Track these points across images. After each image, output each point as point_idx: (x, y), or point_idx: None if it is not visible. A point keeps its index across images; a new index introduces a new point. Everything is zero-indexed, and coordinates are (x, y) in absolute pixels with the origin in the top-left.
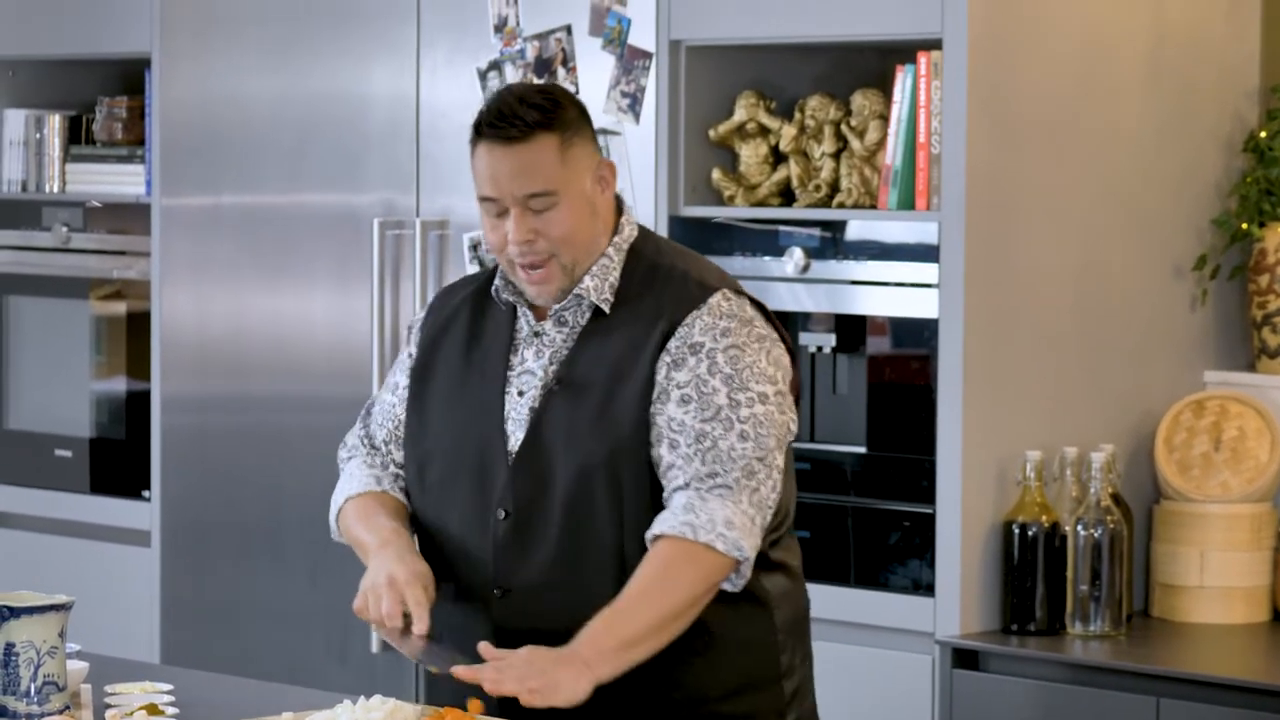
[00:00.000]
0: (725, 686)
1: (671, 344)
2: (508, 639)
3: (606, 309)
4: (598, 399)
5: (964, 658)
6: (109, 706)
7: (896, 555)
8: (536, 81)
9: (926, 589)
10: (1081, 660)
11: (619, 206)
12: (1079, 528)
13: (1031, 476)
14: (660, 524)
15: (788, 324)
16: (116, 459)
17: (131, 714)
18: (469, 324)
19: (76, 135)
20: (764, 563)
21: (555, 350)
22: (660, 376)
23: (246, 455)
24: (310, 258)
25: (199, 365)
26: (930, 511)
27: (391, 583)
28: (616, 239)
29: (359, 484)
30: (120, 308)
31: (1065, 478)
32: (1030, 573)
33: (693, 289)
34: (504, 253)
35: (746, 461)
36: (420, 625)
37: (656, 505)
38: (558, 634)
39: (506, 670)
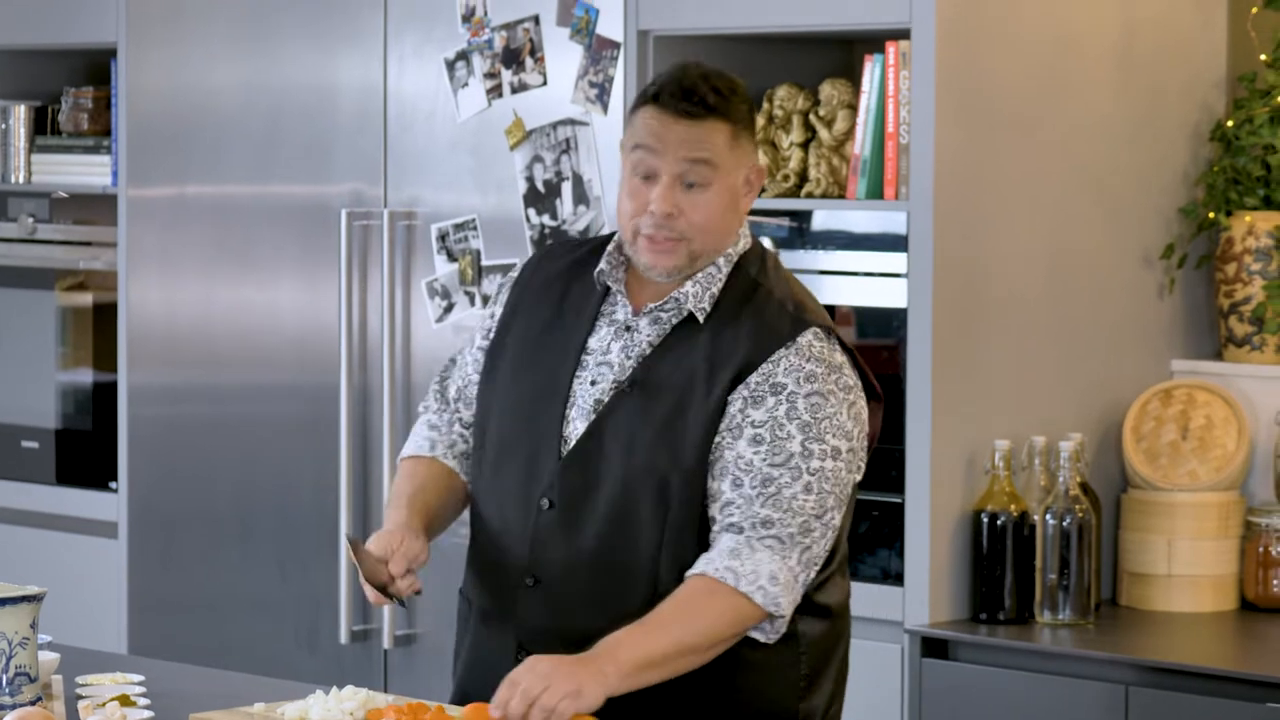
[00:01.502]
0: (755, 706)
1: (753, 379)
2: (526, 632)
3: (701, 319)
4: (665, 411)
5: (933, 647)
6: (81, 697)
7: (865, 545)
8: (527, 85)
9: (895, 578)
10: (1050, 649)
11: None
12: (1047, 517)
13: (1000, 466)
14: (704, 563)
15: None
16: (83, 450)
17: (104, 705)
18: (559, 295)
19: (42, 126)
20: (804, 606)
21: (640, 350)
22: (734, 409)
23: (214, 446)
24: (277, 248)
25: (166, 356)
26: (899, 501)
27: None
28: (729, 250)
29: (414, 444)
30: (86, 299)
31: (1034, 467)
32: (999, 562)
33: (787, 322)
34: (636, 219)
35: (805, 518)
36: (367, 589)
37: (700, 530)
38: (575, 636)
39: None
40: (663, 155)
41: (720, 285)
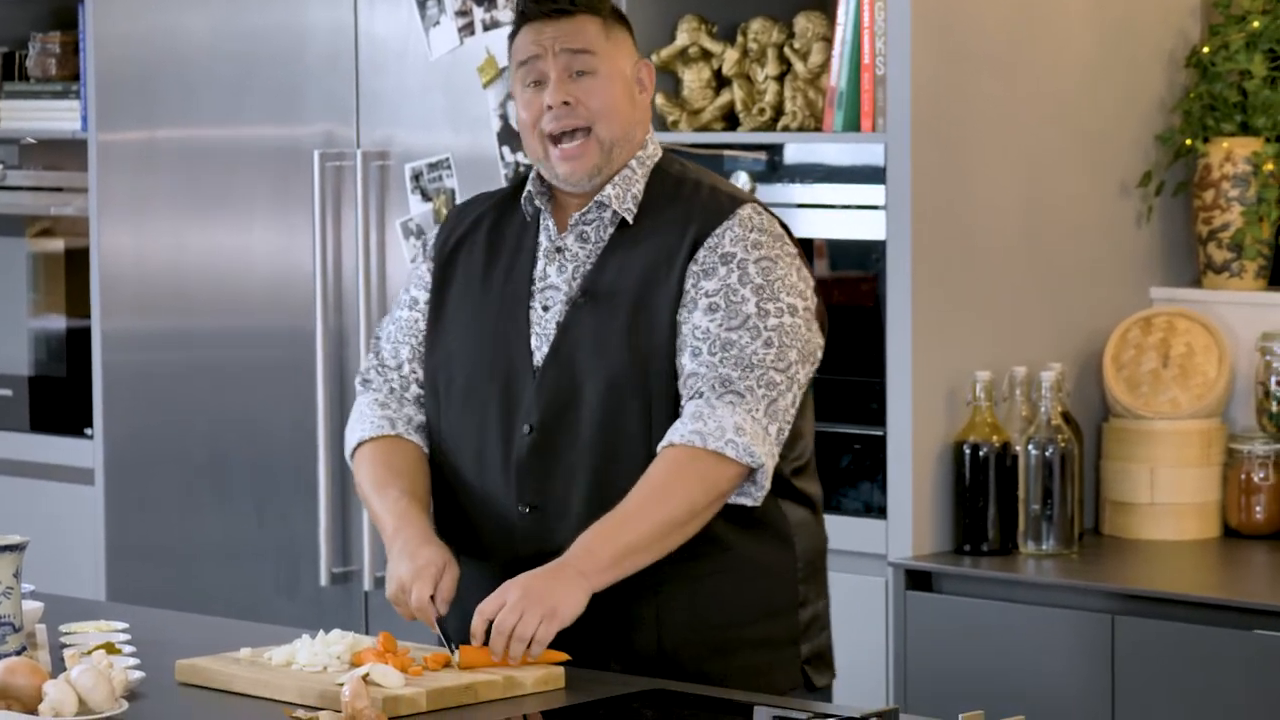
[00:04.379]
0: (744, 610)
1: (700, 253)
2: (532, 560)
3: (630, 218)
4: (626, 310)
5: (917, 579)
6: (65, 646)
7: (848, 478)
8: (499, 21)
9: (878, 511)
10: (1034, 579)
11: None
12: (1029, 447)
13: (981, 397)
14: (670, 433)
15: None
16: (57, 397)
17: (89, 653)
18: (489, 236)
19: (10, 71)
20: (787, 490)
21: (579, 265)
22: (688, 285)
23: (189, 391)
24: (250, 191)
25: (139, 301)
26: (881, 434)
27: (403, 587)
28: (640, 154)
29: (371, 425)
30: (58, 245)
31: (1015, 397)
32: (982, 493)
33: (722, 200)
34: (538, 125)
35: (764, 371)
36: (431, 623)
37: None
38: None
39: (506, 615)
40: (544, 56)
41: (641, 186)
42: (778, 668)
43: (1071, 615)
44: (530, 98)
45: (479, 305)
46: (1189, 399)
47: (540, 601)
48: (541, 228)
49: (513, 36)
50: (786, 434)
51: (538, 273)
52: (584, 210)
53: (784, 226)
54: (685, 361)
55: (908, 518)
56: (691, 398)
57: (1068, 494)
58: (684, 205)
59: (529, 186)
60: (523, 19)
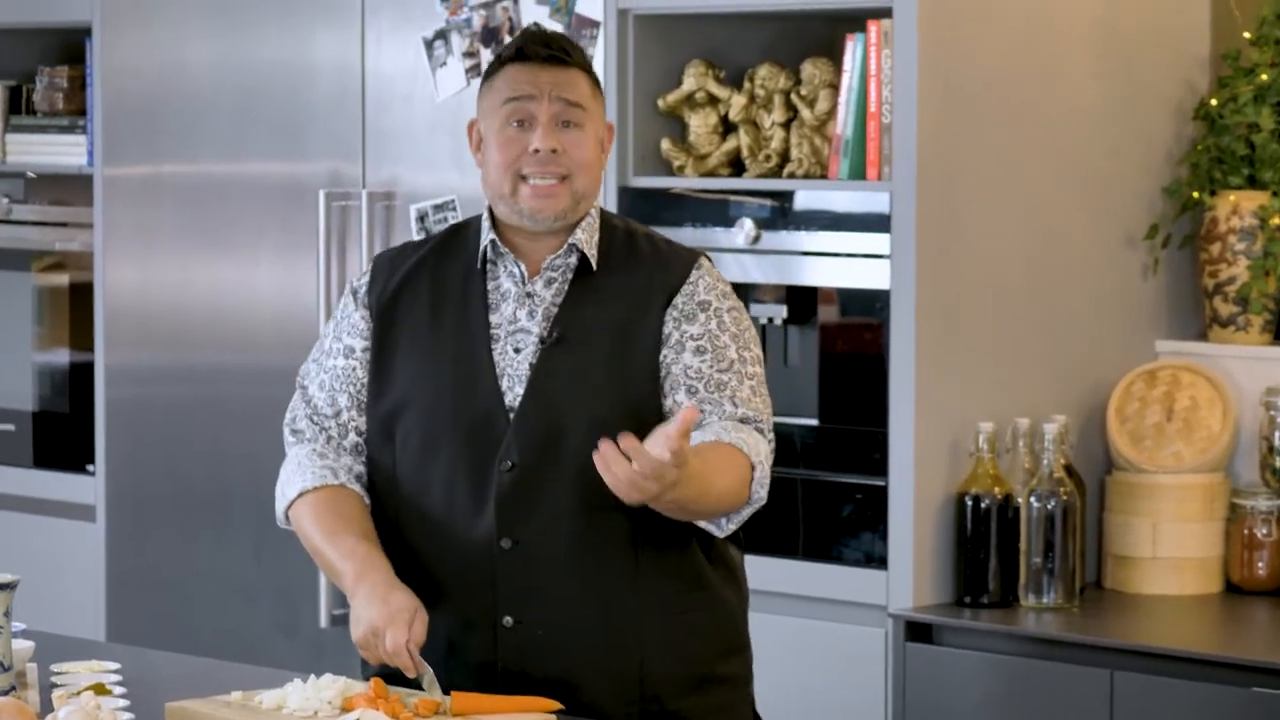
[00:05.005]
0: (715, 647)
1: (679, 299)
2: (513, 598)
3: (593, 264)
4: (606, 351)
5: (917, 631)
6: (55, 686)
7: (849, 528)
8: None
9: (879, 562)
10: (1035, 633)
11: None
12: (1032, 499)
13: (984, 448)
14: (718, 431)
15: (739, 294)
16: (60, 432)
17: (78, 694)
18: (431, 284)
19: (17, 105)
20: (730, 535)
21: (546, 308)
22: (669, 329)
23: (191, 427)
24: (255, 228)
25: (143, 337)
26: (883, 484)
27: (375, 631)
28: (595, 203)
29: (312, 476)
30: (63, 279)
31: (1018, 449)
32: (983, 545)
33: (682, 252)
34: (516, 164)
35: (762, 416)
36: (409, 669)
37: None
38: (569, 588)
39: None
40: (539, 99)
41: (598, 235)
42: (739, 704)
43: (1072, 670)
44: (512, 136)
45: (429, 352)
46: (1192, 453)
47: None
48: (499, 274)
49: (492, 71)
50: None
51: (504, 317)
52: (555, 254)
53: None
54: (682, 399)
55: (908, 568)
56: (707, 424)
57: (1069, 547)
58: (645, 256)
59: (486, 234)
60: (516, 58)
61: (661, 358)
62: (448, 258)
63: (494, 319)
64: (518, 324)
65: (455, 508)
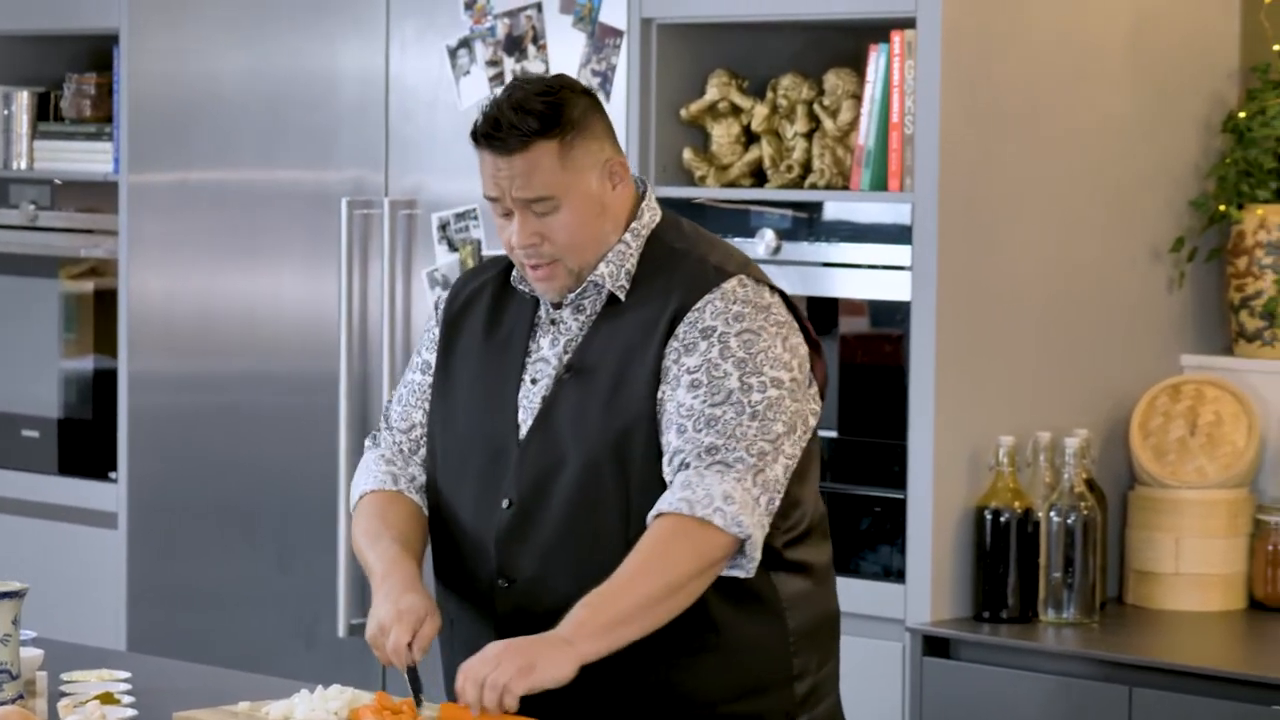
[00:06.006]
0: (732, 688)
1: (681, 329)
2: (511, 630)
3: (622, 296)
4: (606, 386)
5: (935, 645)
6: (64, 695)
7: (867, 541)
8: (529, 71)
9: (897, 575)
10: (1054, 649)
11: (642, 193)
12: (1052, 514)
13: (1004, 462)
14: (660, 503)
15: None
16: (84, 439)
17: (84, 703)
18: (490, 308)
19: (45, 112)
20: (778, 561)
21: (571, 338)
22: (669, 362)
23: (214, 435)
24: (279, 235)
25: (167, 344)
26: (902, 497)
27: (382, 629)
28: (635, 225)
29: (373, 479)
30: (88, 286)
31: (1039, 463)
32: (1002, 559)
33: (709, 273)
34: (512, 255)
35: (750, 442)
36: (403, 669)
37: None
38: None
39: (479, 665)
40: (502, 198)
41: (635, 261)
42: None
43: (1090, 686)
44: (500, 223)
45: (476, 374)
46: (1216, 468)
47: (518, 656)
48: (544, 304)
49: (475, 143)
50: (777, 505)
51: (533, 345)
52: (580, 292)
53: (778, 293)
54: (671, 439)
55: (927, 583)
56: (678, 470)
57: (1089, 562)
58: (669, 277)
59: (515, 270)
60: (474, 140)
61: (659, 394)
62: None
63: (531, 346)
64: (540, 353)
65: (468, 537)
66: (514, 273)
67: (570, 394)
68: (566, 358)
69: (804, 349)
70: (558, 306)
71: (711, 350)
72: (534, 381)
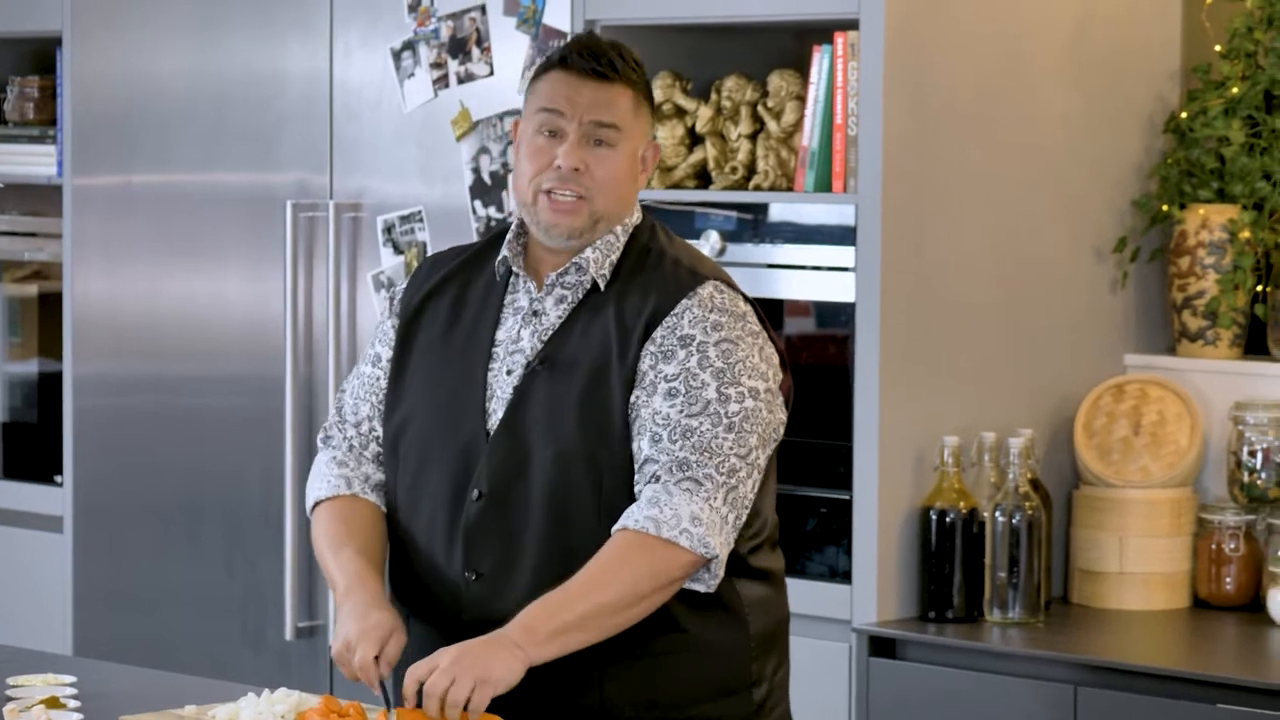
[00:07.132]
0: (693, 692)
1: (658, 334)
2: (478, 627)
3: (603, 285)
4: (581, 383)
5: (881, 645)
6: (9, 699)
7: (813, 542)
8: (473, 74)
9: (843, 576)
10: (999, 649)
11: None
12: (997, 514)
13: (949, 462)
14: (625, 518)
15: None
16: (29, 443)
17: (30, 708)
18: (455, 295)
19: None
20: (742, 569)
21: (550, 328)
22: (645, 367)
23: (160, 438)
24: (224, 238)
25: (112, 347)
26: (847, 498)
27: (348, 645)
28: (626, 220)
29: (327, 485)
30: (33, 289)
31: (984, 463)
32: (948, 559)
33: (684, 276)
34: (539, 177)
35: (724, 458)
36: (373, 684)
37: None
38: None
39: (438, 679)
40: (571, 115)
41: (619, 253)
42: None
43: (1035, 685)
44: (541, 146)
45: (439, 367)
46: (1160, 468)
47: (472, 668)
48: (518, 288)
49: (540, 73)
50: (744, 519)
51: (508, 334)
52: (561, 271)
53: (750, 302)
54: (644, 446)
55: (873, 583)
56: (649, 482)
57: (1034, 562)
58: (647, 277)
59: (506, 246)
60: (559, 65)
61: (634, 399)
62: (479, 267)
63: (499, 335)
64: (518, 344)
65: (435, 532)
66: (504, 249)
67: (542, 386)
68: (540, 348)
69: (776, 358)
70: (540, 289)
71: (690, 360)
72: (509, 372)
